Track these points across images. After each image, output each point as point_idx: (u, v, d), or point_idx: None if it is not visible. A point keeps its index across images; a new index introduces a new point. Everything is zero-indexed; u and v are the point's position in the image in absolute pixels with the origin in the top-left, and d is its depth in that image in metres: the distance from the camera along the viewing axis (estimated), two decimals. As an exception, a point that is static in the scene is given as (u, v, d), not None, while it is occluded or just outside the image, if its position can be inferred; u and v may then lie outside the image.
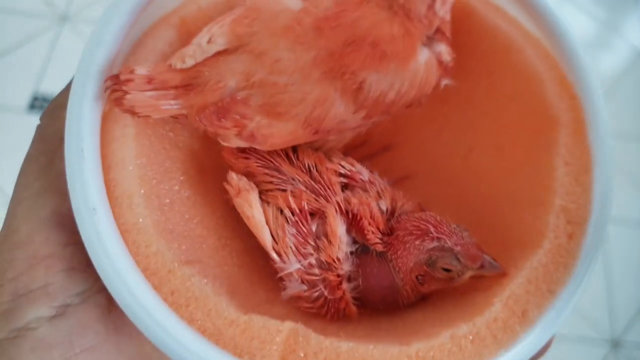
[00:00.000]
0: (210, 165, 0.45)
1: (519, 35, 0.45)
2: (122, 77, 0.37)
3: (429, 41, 0.40)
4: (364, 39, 0.36)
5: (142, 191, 0.38)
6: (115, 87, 0.37)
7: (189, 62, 0.38)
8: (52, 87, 1.44)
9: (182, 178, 0.43)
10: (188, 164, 0.44)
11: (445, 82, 0.42)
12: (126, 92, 0.37)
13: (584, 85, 0.43)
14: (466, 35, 0.47)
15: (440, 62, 0.40)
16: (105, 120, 0.39)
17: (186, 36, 0.43)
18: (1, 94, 1.44)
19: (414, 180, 0.49)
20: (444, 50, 0.40)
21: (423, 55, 0.39)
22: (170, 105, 0.38)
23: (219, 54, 0.38)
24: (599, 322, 1.37)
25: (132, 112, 0.38)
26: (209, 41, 0.38)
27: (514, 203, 0.43)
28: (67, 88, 0.40)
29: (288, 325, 0.35)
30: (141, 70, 0.38)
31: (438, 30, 0.40)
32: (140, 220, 0.37)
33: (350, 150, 0.49)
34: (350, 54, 0.37)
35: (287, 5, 0.38)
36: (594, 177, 0.41)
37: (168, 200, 0.40)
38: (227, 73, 0.38)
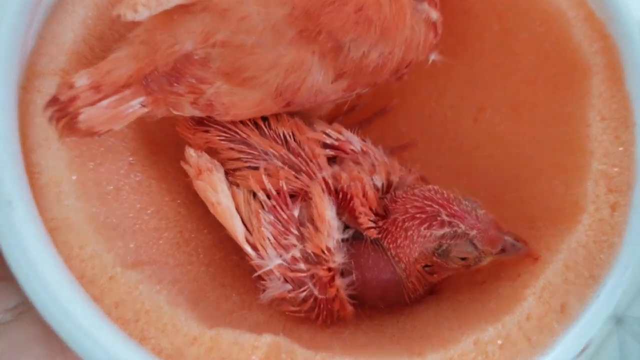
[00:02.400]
0: (166, 143, 0.37)
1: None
2: (63, 97, 0.29)
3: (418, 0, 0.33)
4: (347, 1, 0.30)
5: (75, 177, 0.30)
6: (59, 113, 0.29)
7: (143, 13, 0.30)
8: None
9: (131, 159, 0.35)
10: (139, 142, 0.36)
11: (434, 57, 0.36)
12: (77, 114, 0.29)
13: (617, 23, 0.35)
14: (471, -29, 0.39)
15: (428, 24, 0.34)
16: (26, 90, 0.31)
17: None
18: None
19: (414, 151, 0.42)
20: (430, 10, 0.34)
21: (410, 19, 0.32)
22: (133, 108, 0.31)
23: (173, 12, 0.30)
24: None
25: (93, 134, 0.30)
26: None
27: (540, 171, 0.36)
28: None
29: (266, 339, 0.27)
30: (82, 80, 0.30)
31: None
32: (72, 214, 0.29)
33: (336, 117, 0.41)
34: (330, 14, 0.30)
35: None
36: (637, 133, 0.33)
37: (111, 187, 0.32)
38: (183, 34, 0.30)
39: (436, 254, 0.31)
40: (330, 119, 0.39)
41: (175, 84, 0.31)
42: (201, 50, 0.30)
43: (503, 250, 0.30)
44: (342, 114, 0.41)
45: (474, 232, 0.30)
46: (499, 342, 0.28)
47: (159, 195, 0.35)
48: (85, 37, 0.33)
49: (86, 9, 0.33)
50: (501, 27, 0.39)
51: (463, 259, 0.31)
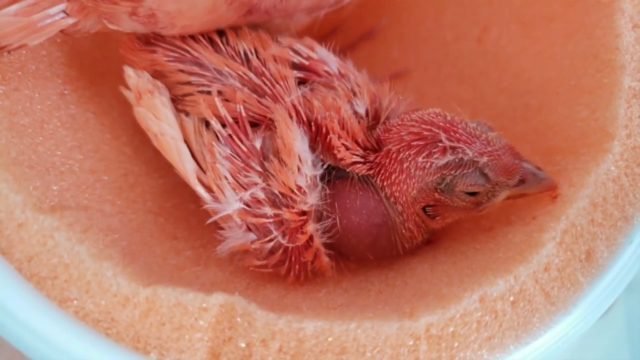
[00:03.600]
0: (111, 72, 0.31)
1: None
2: None
3: None
4: None
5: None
6: None
7: None
8: None
9: (63, 88, 0.29)
10: (76, 70, 0.30)
11: None
12: None
13: None
14: None
15: None
16: None
17: None
18: None
19: (408, 79, 0.36)
20: None
21: None
22: (53, 18, 0.26)
23: None
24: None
25: (3, 49, 0.25)
26: None
27: (557, 95, 0.31)
28: None
29: (217, 299, 0.22)
30: None
31: None
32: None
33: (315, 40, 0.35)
34: None
35: None
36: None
37: (30, 120, 0.26)
38: None
39: (439, 190, 0.25)
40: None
41: None
42: None
43: (522, 182, 0.25)
44: (321, 37, 0.35)
45: (485, 159, 0.24)
46: (511, 298, 0.23)
47: (99, 132, 0.29)
48: None
49: None
50: None
51: (472, 194, 0.25)
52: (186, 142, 0.26)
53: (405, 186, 0.26)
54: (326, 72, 0.28)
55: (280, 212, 0.25)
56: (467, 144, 0.24)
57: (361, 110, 0.27)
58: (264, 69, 0.27)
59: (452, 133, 0.25)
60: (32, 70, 0.28)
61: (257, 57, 0.27)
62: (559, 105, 0.30)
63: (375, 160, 0.27)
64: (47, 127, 0.27)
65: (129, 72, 0.27)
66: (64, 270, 0.22)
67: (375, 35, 0.36)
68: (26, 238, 0.22)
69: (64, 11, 0.25)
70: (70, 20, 0.26)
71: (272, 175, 0.25)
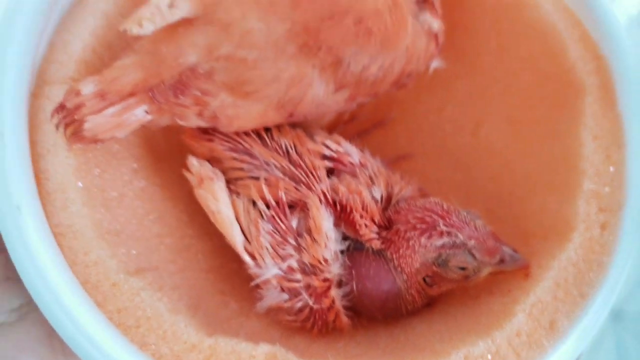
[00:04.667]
0: (170, 150, 0.38)
1: (533, -14, 0.38)
2: (70, 104, 0.30)
3: (418, 9, 0.34)
4: (346, 13, 0.31)
5: (81, 184, 0.31)
6: (66, 119, 0.30)
7: (147, 27, 0.31)
8: None
9: (135, 166, 0.36)
10: (143, 149, 0.37)
11: (435, 64, 0.37)
12: (82, 121, 0.30)
13: (611, 43, 0.36)
14: (471, -13, 0.40)
15: (430, 34, 0.35)
16: (36, 97, 0.32)
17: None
18: None
19: (413, 162, 0.42)
20: (431, 19, 0.35)
21: (411, 28, 0.33)
22: (137, 117, 0.32)
23: (178, 25, 0.31)
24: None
25: (97, 141, 0.31)
26: (171, 5, 0.31)
27: (534, 187, 0.37)
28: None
29: (263, 349, 0.28)
30: (89, 87, 0.30)
31: (426, 1, 0.35)
32: (77, 221, 0.30)
33: (337, 127, 0.42)
34: (330, 29, 0.31)
35: None
36: (628, 153, 0.34)
37: (116, 194, 0.33)
38: (188, 47, 0.31)
39: (436, 264, 0.32)
40: (331, 129, 0.40)
41: (180, 96, 0.32)
42: (205, 63, 0.31)
43: (502, 261, 0.31)
44: (342, 124, 0.42)
45: (473, 242, 0.31)
46: (489, 356, 0.29)
47: (162, 202, 0.36)
48: (94, 46, 0.34)
49: (95, 18, 0.34)
50: (499, 44, 0.40)
51: (462, 268, 0.32)
52: (237, 218, 0.33)
53: (410, 259, 0.32)
54: (350, 162, 0.35)
55: (309, 279, 0.32)
56: (459, 230, 0.31)
57: (377, 196, 0.34)
58: (300, 161, 0.34)
59: (447, 220, 0.32)
60: (113, 152, 0.34)
61: (296, 150, 0.34)
62: (535, 197, 0.36)
63: (387, 237, 0.33)
64: (125, 200, 0.34)
65: (193, 161, 0.34)
66: (146, 321, 0.29)
67: (386, 124, 0.43)
68: (118, 295, 0.29)
69: (145, 111, 0.32)
70: (150, 117, 0.32)
71: (305, 249, 0.32)
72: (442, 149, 0.42)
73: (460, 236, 0.31)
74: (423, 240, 0.32)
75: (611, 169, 0.34)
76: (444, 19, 0.37)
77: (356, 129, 0.43)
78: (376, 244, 0.33)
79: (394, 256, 0.33)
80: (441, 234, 0.31)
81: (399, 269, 0.33)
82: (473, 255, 0.31)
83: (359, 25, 0.31)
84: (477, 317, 0.32)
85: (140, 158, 0.36)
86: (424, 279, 0.33)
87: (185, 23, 0.31)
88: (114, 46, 0.34)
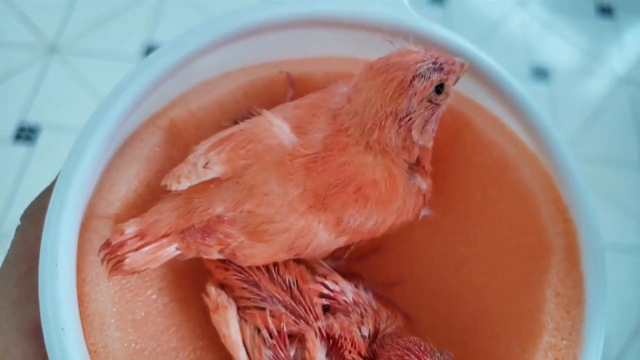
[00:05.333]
0: (191, 269, 0.44)
1: (516, 151, 0.44)
2: (114, 242, 0.37)
3: (411, 172, 0.40)
4: (348, 183, 0.37)
5: (115, 309, 0.37)
6: (110, 256, 0.37)
7: (184, 184, 0.38)
8: (38, 118, 1.44)
9: (160, 285, 0.41)
10: (167, 268, 0.43)
11: (424, 212, 0.42)
12: (123, 257, 0.36)
13: (579, 208, 0.42)
14: (461, 147, 0.46)
15: (419, 193, 0.41)
16: (85, 229, 0.38)
17: (175, 138, 0.42)
18: None
19: (404, 288, 0.48)
20: (421, 181, 0.41)
21: (403, 192, 0.39)
22: (169, 252, 0.38)
23: (210, 182, 0.38)
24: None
25: (134, 273, 0.37)
26: (206, 166, 0.37)
27: (504, 329, 0.42)
28: (49, 189, 0.40)
29: None
30: (131, 228, 0.37)
31: (419, 163, 0.41)
32: (110, 342, 0.36)
33: (339, 251, 0.47)
34: (334, 195, 0.37)
35: (281, 140, 0.38)
36: (587, 311, 0.39)
37: (143, 313, 0.39)
38: (217, 201, 0.38)
39: None
40: (333, 253, 0.46)
41: (207, 238, 0.38)
42: (231, 213, 0.37)
43: None
44: (342, 249, 0.48)
45: None
46: None
47: (180, 316, 0.42)
48: (137, 187, 0.40)
49: (140, 163, 0.40)
50: (484, 196, 0.46)
51: None
52: (243, 342, 0.39)
53: None
54: (344, 301, 0.40)
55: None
56: None
57: (365, 333, 0.39)
58: (301, 298, 0.39)
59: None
60: (143, 275, 0.40)
61: (298, 287, 0.40)
62: (504, 339, 0.41)
63: None
64: (149, 318, 0.39)
65: (212, 290, 0.40)
66: None
67: (381, 252, 0.49)
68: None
69: (176, 248, 0.38)
70: (179, 252, 0.38)
71: (300, 376, 0.38)
72: (429, 278, 0.48)
73: None
74: None
75: (569, 323, 0.39)
76: (435, 166, 0.43)
77: (356, 254, 0.49)
78: None
79: None
80: None
81: None
82: None
83: (358, 193, 0.38)
84: None
85: (164, 277, 0.42)
86: None
87: (217, 181, 0.38)
88: (153, 185, 0.41)
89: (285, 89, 0.45)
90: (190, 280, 0.43)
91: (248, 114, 0.41)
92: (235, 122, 0.42)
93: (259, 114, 0.40)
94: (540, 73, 1.57)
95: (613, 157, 1.50)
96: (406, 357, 0.37)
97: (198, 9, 1.58)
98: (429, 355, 0.37)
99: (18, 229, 0.40)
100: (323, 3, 0.44)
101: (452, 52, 0.43)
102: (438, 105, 0.39)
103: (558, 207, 0.42)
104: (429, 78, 0.37)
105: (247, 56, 0.45)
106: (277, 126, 0.39)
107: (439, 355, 0.38)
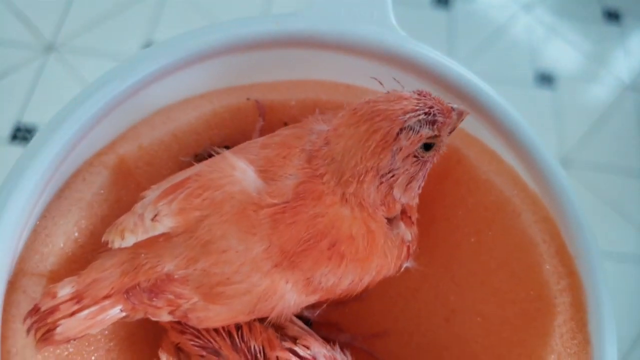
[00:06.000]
0: (142, 323, 0.38)
1: (515, 191, 0.39)
2: (44, 308, 0.31)
3: (391, 223, 0.35)
4: (321, 238, 0.32)
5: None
6: (38, 324, 0.31)
7: (129, 240, 0.32)
8: (35, 118, 1.38)
9: (109, 345, 0.36)
10: (116, 325, 0.37)
11: (407, 264, 0.37)
12: (55, 325, 0.31)
13: (586, 260, 0.37)
14: (454, 185, 0.41)
15: (403, 243, 0.36)
16: (11, 290, 0.33)
17: (124, 178, 0.37)
18: None
19: (387, 340, 0.43)
20: (405, 231, 0.35)
21: (383, 248, 0.34)
22: (112, 315, 0.33)
23: (160, 236, 0.32)
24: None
25: (69, 340, 0.32)
26: (154, 219, 0.32)
27: (498, 396, 0.37)
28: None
29: None
30: (65, 290, 0.32)
31: (403, 212, 0.35)
32: None
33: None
34: (305, 252, 0.32)
35: (244, 186, 0.32)
36: (595, 383, 0.34)
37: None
38: (166, 256, 0.32)
39: None
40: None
41: (154, 299, 0.32)
42: (182, 271, 0.32)
43: None
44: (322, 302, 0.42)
45: None
46: None
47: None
48: (77, 237, 0.35)
49: (81, 209, 0.35)
50: (478, 241, 0.40)
51: None
52: (200, 418, 0.33)
53: None
54: (317, 368, 0.35)
55: None
56: None
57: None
58: (268, 369, 0.34)
59: None
60: (86, 338, 0.35)
61: (264, 355, 0.35)
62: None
63: None
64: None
65: (163, 358, 0.34)
66: None
67: (363, 299, 0.44)
68: None
69: (120, 309, 0.33)
70: (123, 314, 0.33)
71: None
72: (415, 329, 0.43)
73: None
74: None
75: (575, 397, 0.34)
76: (425, 207, 0.38)
77: (334, 301, 0.43)
78: None
79: None
80: None
81: None
82: None
83: (332, 249, 0.32)
84: None
85: (113, 336, 0.37)
86: None
87: (166, 236, 0.32)
88: (97, 232, 0.35)
89: (254, 118, 0.40)
90: (148, 335, 0.38)
91: (208, 151, 0.36)
92: (196, 157, 0.37)
93: (219, 154, 0.34)
94: (545, 78, 1.52)
95: (617, 165, 1.46)
96: None
97: (198, 8, 1.52)
98: None
99: None
100: (298, 21, 0.38)
101: (439, 75, 0.38)
102: (426, 161, 0.33)
103: (562, 259, 0.37)
104: (418, 133, 0.31)
105: (209, 80, 0.39)
106: (240, 170, 0.33)
107: None
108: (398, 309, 0.44)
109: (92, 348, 0.35)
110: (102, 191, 0.36)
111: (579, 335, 0.35)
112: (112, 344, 0.36)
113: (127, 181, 0.37)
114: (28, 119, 1.41)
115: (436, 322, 0.42)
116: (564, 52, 1.63)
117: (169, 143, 0.38)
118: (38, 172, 0.32)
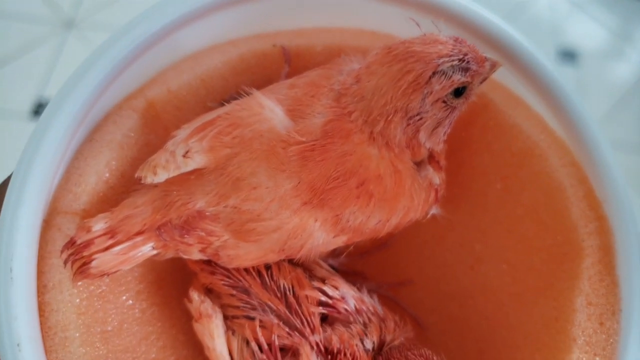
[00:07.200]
0: (174, 266, 0.39)
1: (542, 136, 0.38)
2: (80, 241, 0.32)
3: (419, 167, 0.35)
4: (350, 177, 0.32)
5: (81, 321, 0.32)
6: (74, 256, 0.32)
7: (161, 176, 0.33)
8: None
9: (139, 287, 0.37)
10: (146, 268, 0.38)
11: (434, 211, 0.37)
12: (90, 259, 0.31)
13: (615, 204, 0.36)
14: (480, 131, 0.40)
15: (430, 187, 0.36)
16: (48, 226, 0.33)
17: (153, 122, 0.37)
18: (5, 99, 1.40)
19: (412, 288, 0.43)
20: (433, 174, 0.36)
21: (410, 188, 0.34)
22: (144, 252, 0.33)
23: (191, 173, 0.33)
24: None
25: (103, 275, 0.32)
26: (186, 155, 0.32)
27: (524, 339, 0.37)
28: (5, 182, 0.35)
29: None
30: (99, 225, 0.32)
31: (432, 156, 0.36)
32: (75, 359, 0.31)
33: (339, 248, 0.42)
34: (333, 189, 0.32)
35: (273, 125, 0.33)
36: (622, 323, 0.34)
37: (116, 323, 0.34)
38: (198, 194, 0.33)
39: None
40: (333, 251, 0.41)
41: (186, 236, 0.33)
42: (213, 208, 0.32)
43: None
44: (344, 248, 0.43)
45: None
46: None
47: (161, 322, 0.37)
48: (108, 178, 0.35)
49: (111, 150, 0.35)
50: (504, 187, 0.40)
51: None
52: (230, 354, 0.34)
53: None
54: (345, 309, 0.36)
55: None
56: None
57: (369, 346, 0.35)
58: (297, 306, 0.34)
59: None
60: (116, 277, 0.36)
61: (293, 293, 0.35)
62: (524, 349, 0.36)
63: None
64: (124, 326, 0.35)
65: (194, 296, 0.35)
66: None
67: (388, 247, 0.44)
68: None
69: (152, 247, 0.33)
70: (155, 252, 0.34)
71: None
72: (440, 277, 0.43)
73: None
74: None
75: (603, 336, 0.34)
76: (451, 155, 0.38)
77: (359, 250, 0.44)
78: None
79: None
80: None
81: None
82: None
83: (361, 188, 0.32)
84: None
85: (143, 279, 0.37)
86: None
87: (198, 172, 0.33)
88: (127, 175, 0.36)
89: (279, 64, 0.40)
90: (175, 280, 0.39)
91: (236, 94, 0.36)
92: (222, 103, 0.37)
93: (249, 94, 0.34)
94: (568, 55, 1.49)
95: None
96: None
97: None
98: None
99: None
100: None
101: (469, 22, 0.37)
102: (454, 108, 0.33)
103: (590, 203, 0.37)
104: (450, 78, 0.31)
105: (236, 26, 0.39)
106: (268, 109, 0.33)
107: None
108: (424, 258, 0.44)
109: (123, 288, 0.36)
110: (131, 134, 0.36)
111: (607, 277, 0.35)
112: (141, 286, 0.37)
113: (156, 125, 0.37)
114: (49, 94, 1.43)
115: (461, 271, 0.42)
116: (587, 28, 1.58)
117: (197, 88, 0.38)
118: (70, 114, 0.33)
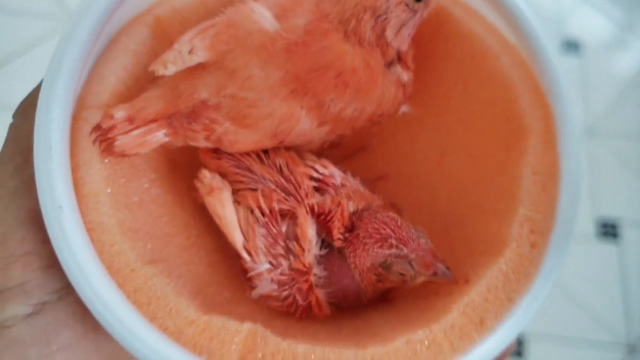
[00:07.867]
0: (183, 163, 0.45)
1: (495, 42, 0.45)
2: (105, 125, 0.38)
3: (389, 65, 0.42)
4: (328, 68, 0.39)
5: (109, 190, 0.38)
6: (101, 137, 0.38)
7: (171, 69, 0.39)
8: None
9: (153, 176, 0.43)
10: (160, 162, 0.44)
11: (404, 109, 0.44)
12: (113, 140, 0.38)
13: (556, 94, 0.43)
14: (443, 41, 0.47)
15: (399, 84, 0.42)
16: (76, 119, 0.39)
17: (161, 35, 0.43)
18: (12, 94, 1.43)
19: (387, 182, 0.50)
20: (401, 72, 0.42)
21: (381, 82, 0.41)
22: (157, 138, 0.40)
23: (194, 68, 0.39)
24: (614, 326, 1.37)
25: (124, 155, 0.39)
26: (191, 52, 0.39)
27: (483, 211, 0.44)
28: (40, 86, 0.41)
29: (247, 326, 0.36)
30: (120, 113, 0.39)
31: (400, 59, 0.42)
32: (105, 219, 0.37)
33: (325, 151, 0.49)
34: (315, 79, 0.39)
35: (263, 25, 0.39)
36: (561, 186, 0.41)
37: (136, 199, 0.40)
38: (201, 86, 0.39)
39: (381, 267, 0.39)
40: (319, 152, 0.47)
41: (193, 123, 0.39)
42: (214, 98, 0.39)
43: (435, 274, 0.38)
44: (329, 149, 0.49)
45: (413, 255, 0.38)
46: (426, 342, 0.36)
47: (173, 206, 0.43)
48: (125, 80, 0.41)
49: (127, 56, 0.41)
50: (465, 88, 0.47)
51: (401, 274, 0.39)
52: (238, 222, 0.40)
53: (362, 259, 0.40)
54: (333, 183, 0.42)
55: (295, 275, 0.39)
56: (405, 244, 0.38)
57: (351, 209, 0.41)
58: (291, 177, 0.41)
59: (397, 234, 0.39)
60: (136, 165, 0.42)
61: (288, 168, 0.42)
62: (482, 219, 0.43)
63: (348, 238, 0.41)
64: (143, 204, 0.41)
65: (206, 174, 0.41)
66: (156, 300, 0.36)
67: (367, 149, 0.51)
68: (135, 279, 0.36)
69: (164, 134, 0.40)
70: (167, 139, 0.40)
71: (291, 251, 0.40)
72: (412, 172, 0.50)
73: (405, 250, 0.38)
74: (375, 247, 0.39)
75: (544, 198, 0.41)
76: (419, 62, 0.44)
77: (342, 153, 0.50)
78: (339, 243, 0.40)
79: (351, 255, 0.40)
80: (390, 245, 0.39)
81: (354, 265, 0.40)
82: (412, 266, 0.39)
83: (338, 78, 0.39)
84: (422, 312, 0.39)
85: (157, 170, 0.43)
86: (374, 275, 0.40)
87: (200, 67, 0.39)
88: (141, 78, 0.42)
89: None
90: (184, 176, 0.45)
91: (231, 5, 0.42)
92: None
93: (242, 2, 0.41)
94: (572, 46, 1.49)
95: (643, 133, 1.45)
96: (382, 230, 0.39)
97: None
98: (404, 231, 0.39)
99: (11, 126, 0.41)
100: None
101: None
102: (415, 12, 0.40)
103: (536, 94, 0.43)
104: None
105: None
106: (258, 13, 0.40)
107: (414, 231, 0.40)
108: (398, 158, 0.50)
109: (140, 174, 0.42)
110: (143, 44, 0.42)
111: (549, 152, 0.42)
112: (155, 175, 0.43)
113: (163, 39, 0.43)
114: (55, 88, 1.45)
115: (430, 165, 0.49)
116: (591, 18, 1.57)
117: (197, 7, 0.44)
118: (91, 20, 0.38)
